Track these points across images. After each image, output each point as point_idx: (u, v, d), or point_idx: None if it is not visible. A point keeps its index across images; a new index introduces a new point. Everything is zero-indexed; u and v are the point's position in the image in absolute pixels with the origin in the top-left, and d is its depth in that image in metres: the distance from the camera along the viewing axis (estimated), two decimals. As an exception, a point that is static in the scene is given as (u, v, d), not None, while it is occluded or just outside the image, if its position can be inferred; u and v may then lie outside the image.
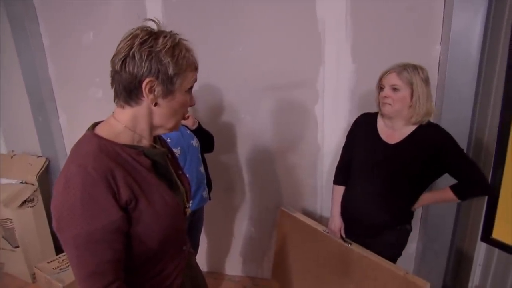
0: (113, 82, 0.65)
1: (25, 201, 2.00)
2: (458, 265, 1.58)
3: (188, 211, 0.80)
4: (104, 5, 1.83)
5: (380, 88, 1.21)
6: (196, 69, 0.69)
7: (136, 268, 0.67)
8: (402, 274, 1.22)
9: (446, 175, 1.19)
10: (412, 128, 1.19)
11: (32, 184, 2.07)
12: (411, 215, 1.30)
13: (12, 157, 2.23)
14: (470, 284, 1.43)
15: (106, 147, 0.62)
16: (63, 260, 1.79)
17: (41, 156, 2.18)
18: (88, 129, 0.67)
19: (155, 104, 0.64)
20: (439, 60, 1.45)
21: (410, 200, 1.26)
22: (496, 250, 1.29)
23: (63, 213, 0.56)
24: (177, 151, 1.33)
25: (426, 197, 1.26)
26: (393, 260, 1.32)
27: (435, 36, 1.43)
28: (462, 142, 1.43)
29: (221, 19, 1.68)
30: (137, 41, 0.60)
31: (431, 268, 1.60)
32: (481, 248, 1.37)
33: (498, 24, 1.27)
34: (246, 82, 1.75)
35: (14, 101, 2.20)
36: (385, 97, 1.17)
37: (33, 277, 2.07)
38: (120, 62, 0.61)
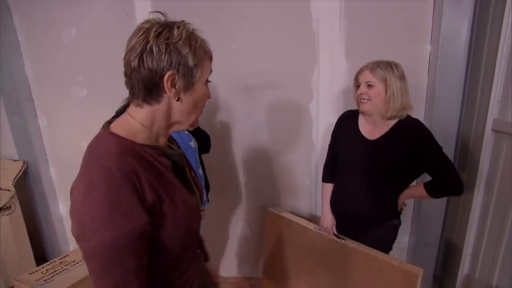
0: (129, 82, 0.60)
1: (1, 209, 1.85)
2: (448, 255, 1.65)
3: (203, 214, 0.77)
4: (88, 1, 1.73)
5: (357, 86, 1.25)
6: (211, 58, 0.66)
7: (155, 275, 0.64)
8: (397, 263, 1.26)
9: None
10: (390, 123, 1.23)
11: (8, 190, 1.92)
12: (397, 209, 1.33)
13: (-16, 162, 2.06)
14: (459, 273, 1.50)
15: (127, 147, 0.58)
16: (47, 271, 1.67)
17: (17, 160, 2.03)
18: (103, 127, 0.62)
19: (178, 99, 0.61)
20: (429, 59, 1.51)
21: (394, 195, 1.30)
22: (485, 239, 1.36)
23: (86, 219, 0.51)
24: None
25: (403, 194, 1.30)
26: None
27: (425, 36, 1.49)
28: (452, 140, 1.51)
29: (214, 18, 1.65)
30: (152, 34, 0.57)
31: (423, 260, 1.67)
32: (470, 238, 1.44)
33: (483, 24, 1.34)
34: (240, 81, 1.73)
35: (-14, 101, 2.03)
36: (361, 93, 1.21)
37: (12, 290, 1.92)
38: (137, 59, 0.57)
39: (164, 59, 0.57)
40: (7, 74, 1.89)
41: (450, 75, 1.43)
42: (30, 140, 1.98)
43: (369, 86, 1.19)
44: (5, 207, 1.87)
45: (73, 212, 0.53)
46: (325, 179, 1.45)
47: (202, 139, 1.48)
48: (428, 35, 1.49)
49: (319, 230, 1.48)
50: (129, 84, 0.61)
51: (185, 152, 1.33)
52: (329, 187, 1.43)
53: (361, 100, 1.22)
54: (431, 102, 1.49)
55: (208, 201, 1.53)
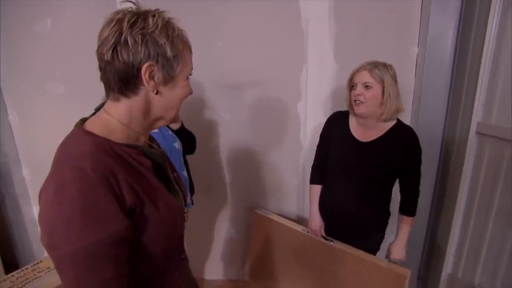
0: (104, 75, 0.56)
1: (-34, 213, 1.72)
2: (432, 255, 1.68)
3: (187, 216, 0.73)
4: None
5: (351, 86, 1.22)
6: (190, 50, 0.62)
7: (137, 282, 0.59)
8: (385, 265, 1.26)
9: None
10: (385, 126, 1.22)
11: (-25, 193, 1.78)
12: (386, 211, 1.34)
13: None
14: (443, 273, 1.53)
15: (103, 146, 0.53)
16: (17, 279, 1.56)
17: (-15, 160, 1.88)
18: (76, 125, 0.57)
19: (156, 92, 0.57)
20: (417, 62, 1.52)
21: (383, 198, 1.30)
22: (468, 240, 1.39)
23: (57, 226, 0.46)
24: None
25: (399, 244, 1.31)
26: (373, 254, 1.36)
27: (412, 38, 1.50)
28: (437, 143, 1.53)
29: (200, 14, 1.59)
30: (125, 25, 0.53)
31: (408, 260, 1.68)
32: (454, 239, 1.47)
33: (468, 27, 1.36)
34: (226, 79, 1.69)
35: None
36: (358, 94, 1.18)
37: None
38: (110, 51, 0.53)
39: (141, 50, 0.53)
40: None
41: (436, 78, 1.45)
42: (0, 139, 1.85)
43: (367, 87, 1.16)
44: (-29, 210, 1.74)
45: (42, 218, 0.48)
46: (313, 181, 1.43)
47: (187, 139, 1.42)
48: (416, 37, 1.50)
49: (307, 232, 1.47)
50: (104, 78, 0.56)
51: (169, 153, 1.28)
52: (317, 188, 1.41)
53: (356, 102, 1.19)
54: (418, 105, 1.50)
55: (192, 203, 1.47)
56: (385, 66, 1.16)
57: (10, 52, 1.76)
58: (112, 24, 0.53)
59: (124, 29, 0.52)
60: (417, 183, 1.26)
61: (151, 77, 0.55)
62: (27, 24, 1.69)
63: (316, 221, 1.40)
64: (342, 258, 1.36)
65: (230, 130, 1.78)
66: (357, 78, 1.19)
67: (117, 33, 0.52)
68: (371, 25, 1.52)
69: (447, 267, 1.52)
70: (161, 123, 0.64)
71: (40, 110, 1.80)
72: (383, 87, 1.15)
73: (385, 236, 1.39)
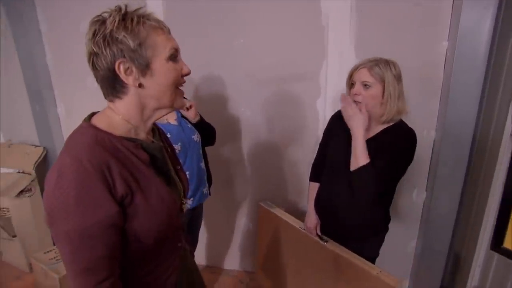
0: (100, 84, 0.64)
1: (22, 191, 1.99)
2: (457, 265, 1.57)
3: (185, 207, 0.78)
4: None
5: (351, 84, 1.15)
6: (163, 30, 0.62)
7: (130, 265, 0.66)
8: (375, 273, 1.20)
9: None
10: (380, 127, 1.14)
11: (29, 174, 2.05)
12: (384, 214, 1.26)
13: (9, 146, 2.21)
14: (468, 285, 1.42)
15: (103, 139, 0.60)
16: (60, 251, 1.78)
17: (39, 146, 2.16)
18: (85, 119, 0.65)
19: (140, 85, 0.62)
20: (446, 57, 1.41)
21: (381, 201, 1.21)
22: (496, 253, 1.27)
23: (55, 207, 0.54)
24: (177, 147, 1.29)
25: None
26: (371, 260, 1.29)
27: (442, 32, 1.39)
28: (466, 144, 1.41)
29: (221, 11, 1.64)
30: (90, 36, 0.59)
31: (430, 268, 1.59)
32: (481, 250, 1.35)
33: (508, 21, 1.23)
34: (247, 75, 1.72)
35: (12, 89, 2.16)
36: (355, 94, 1.10)
37: (30, 266, 2.07)
38: (91, 64, 0.61)
39: (107, 53, 0.58)
40: (30, 64, 2.00)
41: (468, 75, 1.33)
42: (50, 127, 2.10)
43: (365, 86, 1.09)
44: (26, 189, 2.01)
45: (45, 200, 0.56)
46: (311, 178, 1.40)
47: (207, 132, 1.48)
48: (446, 30, 1.39)
49: (304, 229, 1.45)
50: (100, 87, 0.64)
51: (188, 145, 1.35)
52: (315, 186, 1.38)
53: (354, 101, 1.11)
54: (445, 103, 1.40)
55: (209, 194, 1.54)
56: (387, 63, 1.07)
57: (59, 50, 1.99)
58: (86, 39, 0.60)
59: (90, 40, 0.58)
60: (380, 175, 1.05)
61: (128, 73, 0.60)
62: (73, 24, 1.88)
63: (312, 219, 1.37)
64: (334, 259, 1.32)
65: (250, 126, 1.82)
66: (356, 76, 1.12)
67: (88, 46, 0.59)
68: (396, 18, 1.44)
69: (473, 279, 1.40)
70: (160, 113, 0.67)
71: (81, 103, 2.01)
72: (383, 86, 1.07)
73: (386, 242, 1.31)
